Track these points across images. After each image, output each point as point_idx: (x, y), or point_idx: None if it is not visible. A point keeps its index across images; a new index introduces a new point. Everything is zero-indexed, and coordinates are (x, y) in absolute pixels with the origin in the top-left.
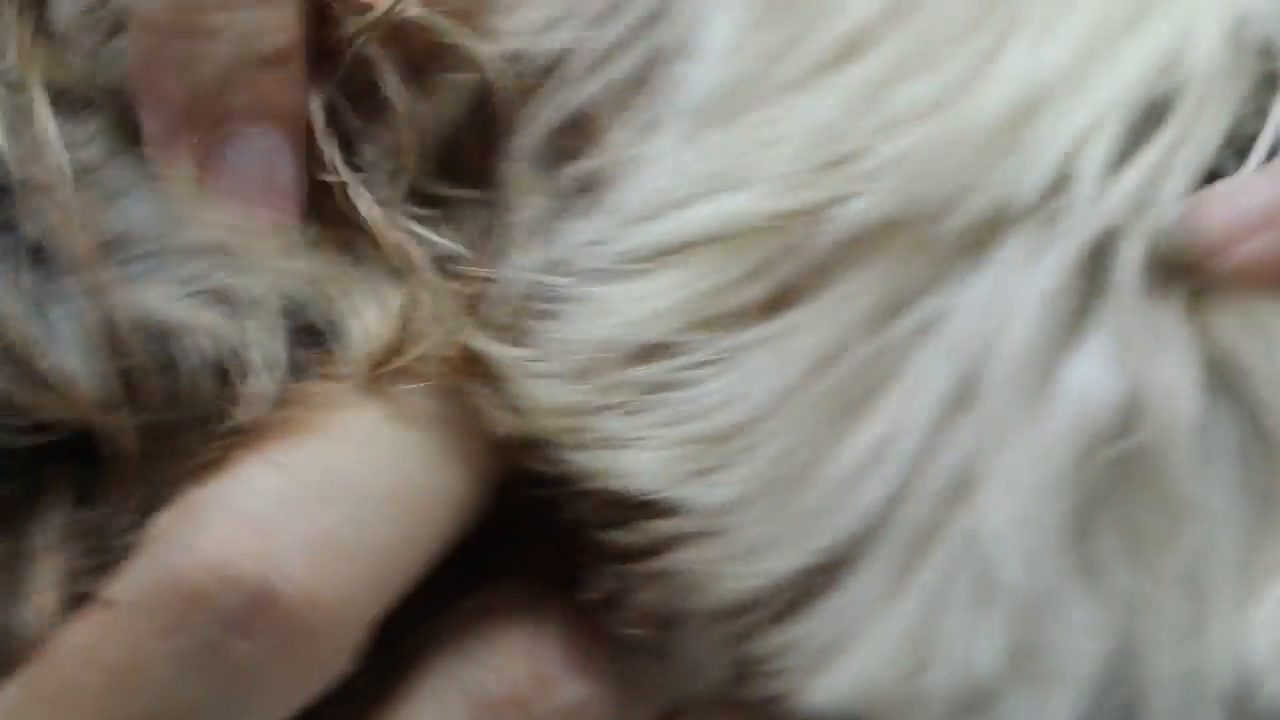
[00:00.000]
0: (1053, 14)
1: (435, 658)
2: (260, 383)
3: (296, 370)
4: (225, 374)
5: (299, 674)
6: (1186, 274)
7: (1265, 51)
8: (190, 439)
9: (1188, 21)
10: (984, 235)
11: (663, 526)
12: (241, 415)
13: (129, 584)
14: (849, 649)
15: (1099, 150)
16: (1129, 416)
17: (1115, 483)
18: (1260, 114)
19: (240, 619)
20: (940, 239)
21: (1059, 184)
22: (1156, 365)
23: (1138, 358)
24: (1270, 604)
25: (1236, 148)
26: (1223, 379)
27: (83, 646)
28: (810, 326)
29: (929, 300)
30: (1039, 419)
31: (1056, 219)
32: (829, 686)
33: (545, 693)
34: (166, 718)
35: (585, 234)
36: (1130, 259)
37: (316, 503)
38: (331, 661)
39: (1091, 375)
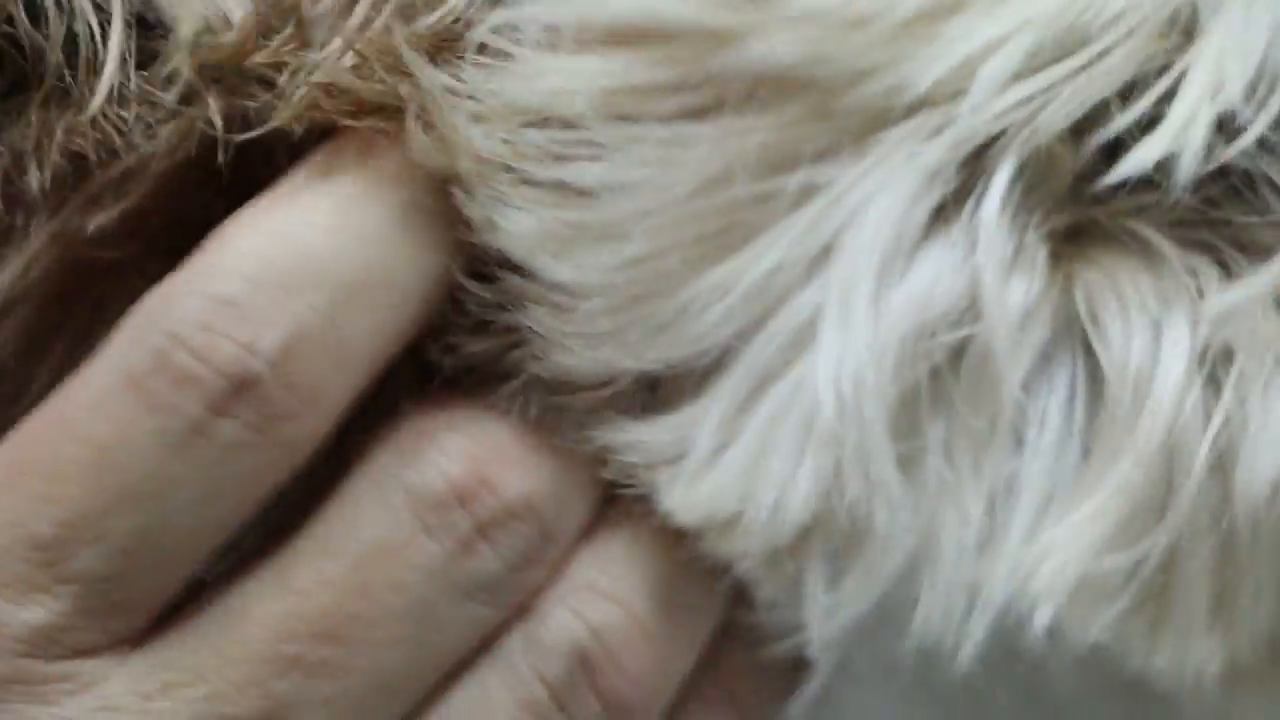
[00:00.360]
0: None
1: (377, 455)
2: (109, 69)
3: (145, 60)
4: (77, 49)
5: (273, 457)
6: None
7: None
8: (48, 115)
9: None
10: (878, 118)
11: (515, 283)
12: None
13: (111, 361)
14: (688, 468)
15: (1001, 62)
16: (965, 317)
17: (946, 376)
18: (1163, 70)
19: (223, 400)
20: (838, 112)
21: (955, 85)
22: (1002, 279)
23: (987, 266)
24: (1060, 534)
25: (1125, 93)
26: (1071, 321)
27: (68, 421)
28: (702, 146)
29: (817, 168)
30: (885, 294)
31: (946, 117)
32: (674, 496)
33: (487, 488)
34: (148, 494)
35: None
36: (1003, 173)
37: (291, 291)
38: (303, 446)
39: (940, 268)
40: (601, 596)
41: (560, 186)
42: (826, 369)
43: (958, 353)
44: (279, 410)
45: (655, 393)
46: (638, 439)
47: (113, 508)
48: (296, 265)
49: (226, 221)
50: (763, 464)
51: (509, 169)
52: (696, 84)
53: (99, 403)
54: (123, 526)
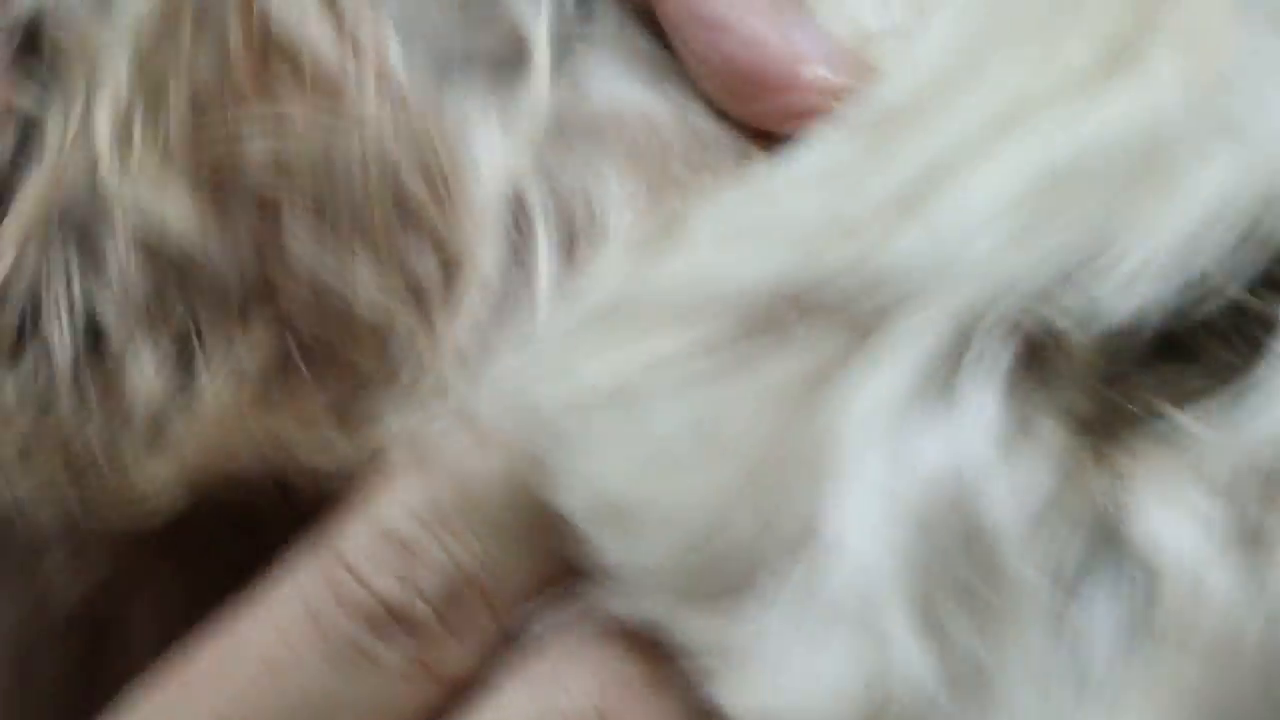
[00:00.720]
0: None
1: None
2: None
3: None
4: None
5: (430, 691)
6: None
7: None
8: None
9: None
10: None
11: None
12: None
13: (289, 587)
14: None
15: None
16: (968, 499)
17: (955, 556)
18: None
19: (390, 631)
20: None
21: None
22: (1001, 459)
23: (983, 445)
24: None
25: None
26: (1097, 507)
27: (243, 641)
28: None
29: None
30: (889, 476)
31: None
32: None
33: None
34: (317, 713)
35: None
36: (997, 349)
37: (455, 533)
38: (458, 679)
39: (936, 448)
40: None
41: None
42: (843, 560)
43: (968, 539)
44: (438, 645)
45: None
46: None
47: None
48: (461, 507)
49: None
50: (814, 664)
51: None
52: None
53: (275, 625)
54: None
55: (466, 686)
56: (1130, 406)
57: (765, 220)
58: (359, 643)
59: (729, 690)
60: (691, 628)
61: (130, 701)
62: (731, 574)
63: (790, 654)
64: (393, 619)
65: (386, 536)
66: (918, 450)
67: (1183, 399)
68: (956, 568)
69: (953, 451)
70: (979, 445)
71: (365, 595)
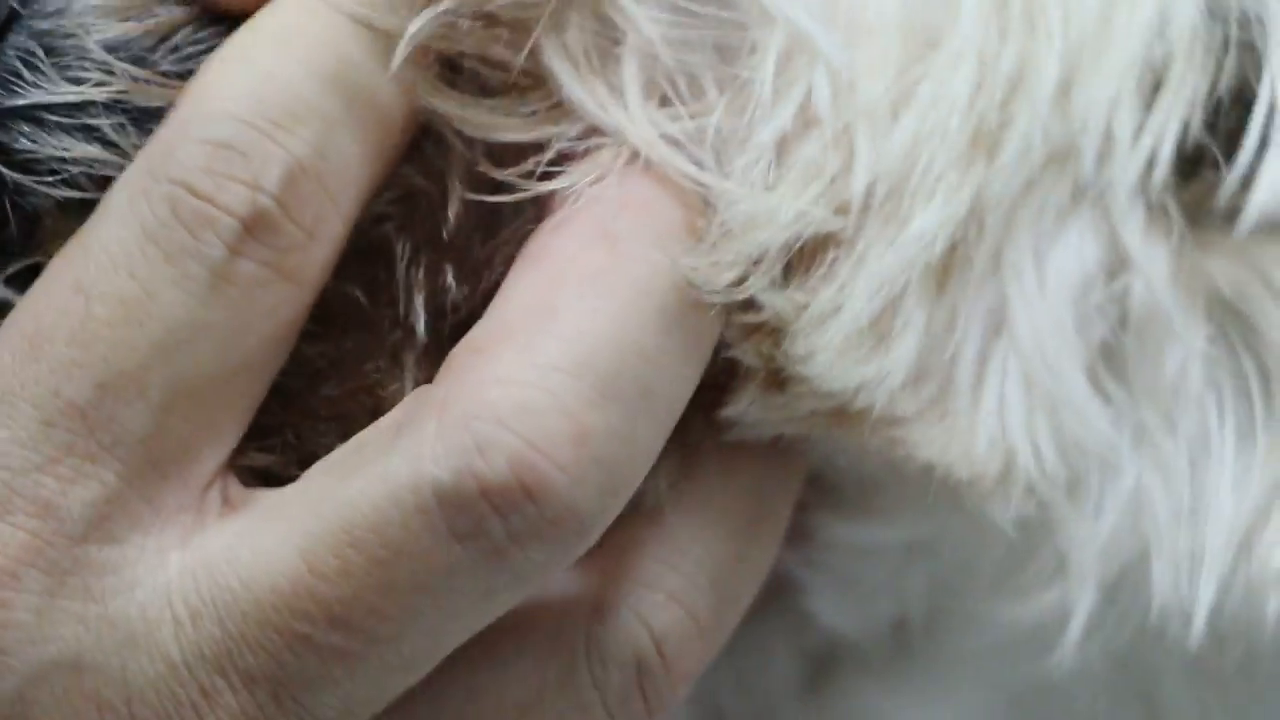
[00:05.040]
0: None
1: (408, 436)
2: None
3: None
4: None
5: (288, 292)
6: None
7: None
8: None
9: None
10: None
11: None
12: None
13: (121, 217)
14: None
15: (1125, 116)
16: (1118, 274)
17: (1120, 335)
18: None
19: (239, 239)
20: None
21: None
22: (1143, 238)
23: (1126, 227)
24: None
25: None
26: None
27: (86, 283)
28: None
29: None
30: (1043, 267)
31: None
32: (936, 443)
33: (528, 497)
34: (179, 342)
35: None
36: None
37: (282, 127)
38: (312, 278)
39: (1083, 235)
40: (668, 598)
41: None
42: (1024, 339)
43: (1124, 312)
44: (289, 242)
45: None
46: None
47: (147, 360)
48: (284, 102)
49: (208, 62)
50: (1008, 417)
51: None
52: None
53: (117, 261)
54: (159, 378)
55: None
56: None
57: None
58: (208, 259)
59: (925, 440)
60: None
61: None
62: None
63: (985, 412)
64: (238, 223)
65: (214, 145)
66: (1066, 239)
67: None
68: (1120, 343)
69: (1100, 235)
70: (1126, 227)
71: (205, 206)
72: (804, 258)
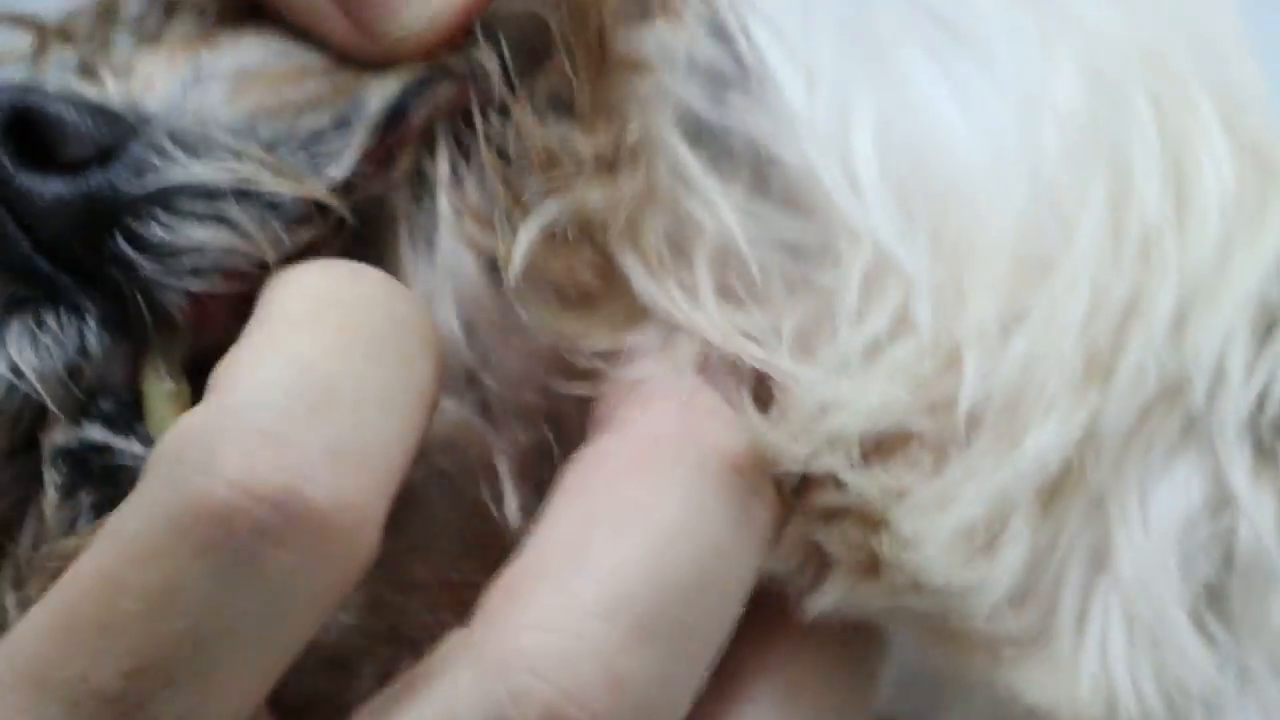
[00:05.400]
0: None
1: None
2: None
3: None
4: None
5: (332, 576)
6: None
7: None
8: None
9: None
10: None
11: None
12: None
13: (148, 510)
14: (1052, 653)
15: (1238, 352)
16: (1223, 512)
17: (1224, 577)
18: None
19: (274, 529)
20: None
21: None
22: (1250, 478)
23: (1232, 465)
24: None
25: None
26: None
27: (112, 574)
28: None
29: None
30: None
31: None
32: (1032, 680)
33: None
34: (207, 636)
35: None
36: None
37: (319, 412)
38: (359, 560)
39: (1189, 471)
40: None
41: None
42: (1127, 575)
43: (1229, 552)
44: (332, 529)
45: None
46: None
47: (177, 652)
48: (318, 387)
49: (235, 351)
50: (1110, 657)
51: None
52: None
53: (145, 554)
54: (189, 668)
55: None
56: None
57: None
58: (240, 550)
59: (1027, 679)
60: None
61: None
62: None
63: (1088, 651)
64: (272, 512)
65: (247, 432)
66: (1188, 482)
67: None
68: (1218, 584)
69: (1206, 472)
70: (1232, 465)
71: (237, 496)
72: (886, 448)
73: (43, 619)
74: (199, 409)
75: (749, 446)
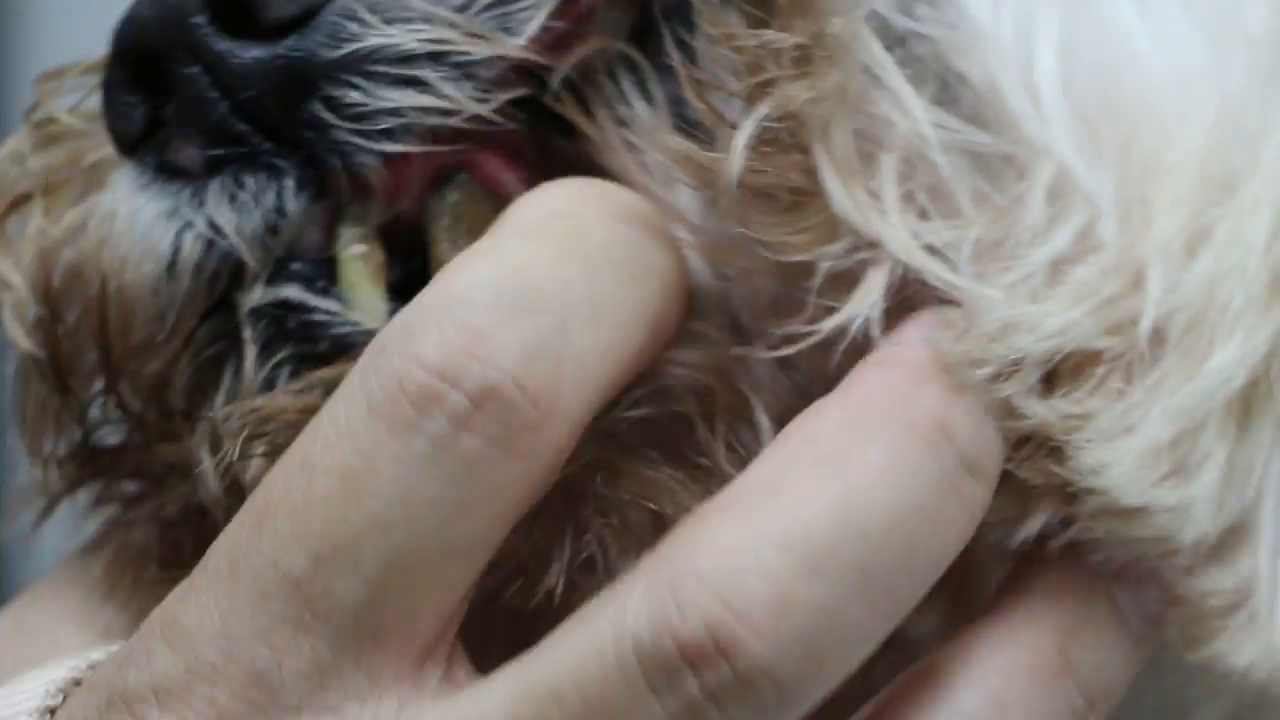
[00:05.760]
0: None
1: (616, 596)
2: None
3: None
4: None
5: (517, 471)
6: None
7: None
8: None
9: None
10: None
11: None
12: None
13: (350, 392)
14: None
15: None
16: None
17: None
18: None
19: (466, 414)
20: None
21: None
22: None
23: None
24: None
25: None
26: None
27: (310, 458)
28: None
29: None
30: None
31: None
32: (1243, 646)
33: (723, 654)
34: (394, 520)
35: None
36: None
37: (522, 312)
38: (545, 459)
39: None
40: None
41: None
42: None
43: None
44: (519, 420)
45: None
46: (1207, 589)
47: (363, 534)
48: (525, 290)
49: (461, 254)
50: None
51: None
52: None
53: (341, 435)
54: (375, 551)
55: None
56: None
57: None
58: (431, 433)
59: (1234, 642)
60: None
61: (214, 546)
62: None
63: None
64: (465, 399)
65: (450, 324)
66: None
67: None
68: None
69: None
70: None
71: (432, 380)
72: (1067, 372)
73: (247, 507)
74: (411, 303)
75: (964, 413)
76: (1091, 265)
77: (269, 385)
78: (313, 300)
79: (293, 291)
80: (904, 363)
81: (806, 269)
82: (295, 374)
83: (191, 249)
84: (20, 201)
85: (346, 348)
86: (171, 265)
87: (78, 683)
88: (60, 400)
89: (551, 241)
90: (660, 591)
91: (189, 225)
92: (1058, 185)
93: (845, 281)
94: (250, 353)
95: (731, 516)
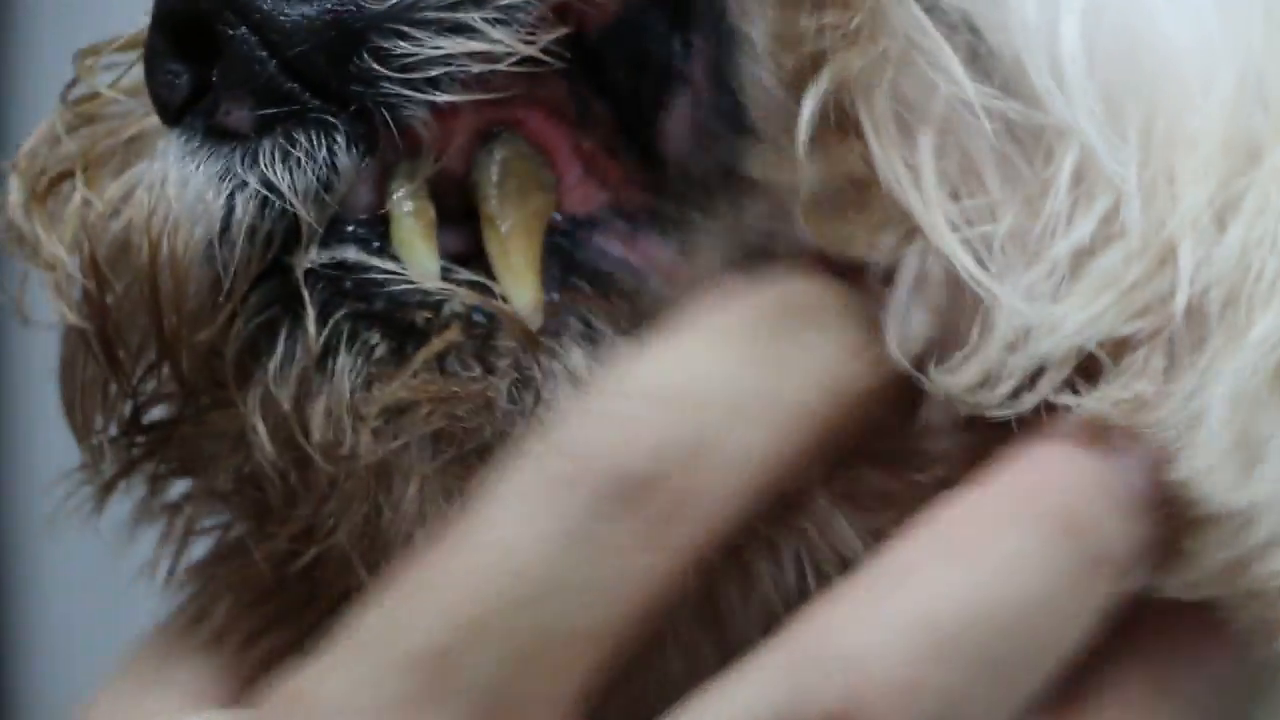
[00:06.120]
0: None
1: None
2: None
3: None
4: None
5: (658, 562)
6: None
7: None
8: None
9: None
10: None
11: None
12: None
13: (510, 476)
14: None
15: None
16: None
17: None
18: None
19: (610, 502)
20: None
21: None
22: None
23: None
24: None
25: None
26: None
27: (464, 536)
28: None
29: None
30: None
31: None
32: None
33: None
34: (538, 596)
35: None
36: None
37: (677, 407)
38: (688, 555)
39: None
40: None
41: None
42: None
43: None
44: (664, 513)
45: None
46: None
47: (503, 610)
48: (682, 385)
49: (640, 351)
50: None
51: None
52: None
53: (492, 514)
54: (512, 629)
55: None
56: None
57: None
58: (580, 517)
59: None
60: None
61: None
62: None
63: None
64: (615, 486)
65: (610, 414)
66: None
67: None
68: None
69: None
70: None
71: (584, 464)
72: (1103, 362)
73: (395, 582)
74: (589, 393)
75: (1100, 511)
76: (1114, 254)
77: (328, 347)
78: (369, 260)
79: (350, 252)
80: (1042, 459)
81: None
82: (353, 334)
83: (245, 210)
84: (60, 179)
85: (401, 306)
86: (225, 228)
87: None
88: (110, 374)
89: (706, 341)
90: (780, 674)
91: (242, 186)
92: (1082, 168)
93: None
94: (310, 314)
95: (859, 599)
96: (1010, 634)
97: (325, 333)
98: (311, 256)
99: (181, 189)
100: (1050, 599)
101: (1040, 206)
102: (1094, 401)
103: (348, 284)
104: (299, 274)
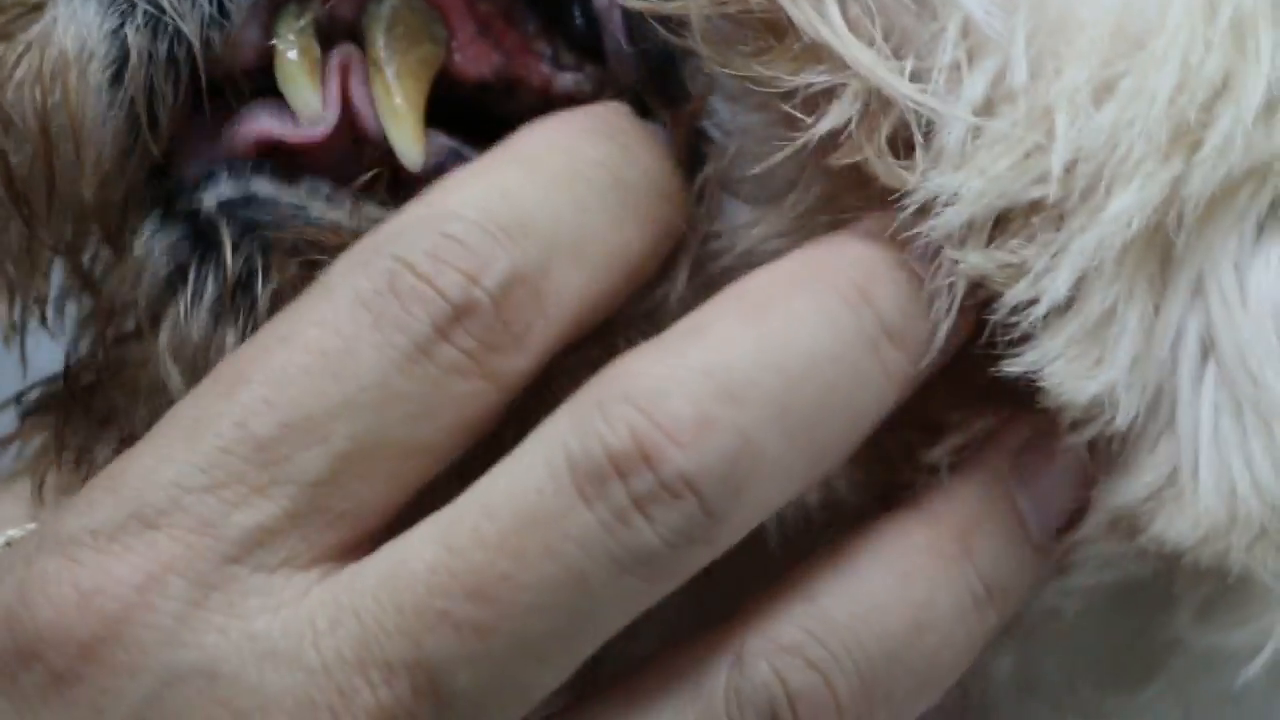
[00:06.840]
0: None
1: (553, 419)
2: None
3: None
4: None
5: (481, 388)
6: None
7: None
8: None
9: None
10: None
11: None
12: None
13: (339, 282)
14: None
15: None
16: None
17: None
18: None
19: (445, 323)
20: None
21: None
22: None
23: None
24: None
25: None
26: None
27: (294, 334)
28: None
29: None
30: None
31: None
32: (1175, 524)
33: (646, 462)
34: (369, 403)
35: None
36: None
37: (511, 237)
38: (508, 382)
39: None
40: (808, 665)
41: None
42: (1229, 356)
43: None
44: (493, 341)
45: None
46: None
47: (335, 412)
48: (515, 218)
49: (457, 170)
50: (1231, 466)
51: None
52: None
53: (327, 318)
54: (342, 431)
55: (511, 398)
56: None
57: None
58: (414, 333)
59: (1166, 522)
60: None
61: (174, 410)
62: None
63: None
64: (449, 308)
65: (442, 235)
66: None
67: None
68: None
69: None
70: None
71: (421, 284)
72: (1006, 224)
73: (220, 372)
74: (404, 209)
75: (886, 292)
76: (1006, 116)
77: (242, 279)
78: (277, 192)
79: (262, 187)
80: (831, 238)
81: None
82: (267, 267)
83: (138, 37)
84: None
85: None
86: (120, 60)
87: (9, 544)
88: (30, 232)
89: (547, 174)
90: (589, 409)
91: (131, 10)
92: (966, 27)
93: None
94: (226, 247)
95: (658, 350)
96: (799, 384)
97: (240, 264)
98: (223, 191)
99: (70, 26)
100: (836, 358)
101: (935, 60)
102: (979, 258)
103: (263, 216)
104: (210, 211)
